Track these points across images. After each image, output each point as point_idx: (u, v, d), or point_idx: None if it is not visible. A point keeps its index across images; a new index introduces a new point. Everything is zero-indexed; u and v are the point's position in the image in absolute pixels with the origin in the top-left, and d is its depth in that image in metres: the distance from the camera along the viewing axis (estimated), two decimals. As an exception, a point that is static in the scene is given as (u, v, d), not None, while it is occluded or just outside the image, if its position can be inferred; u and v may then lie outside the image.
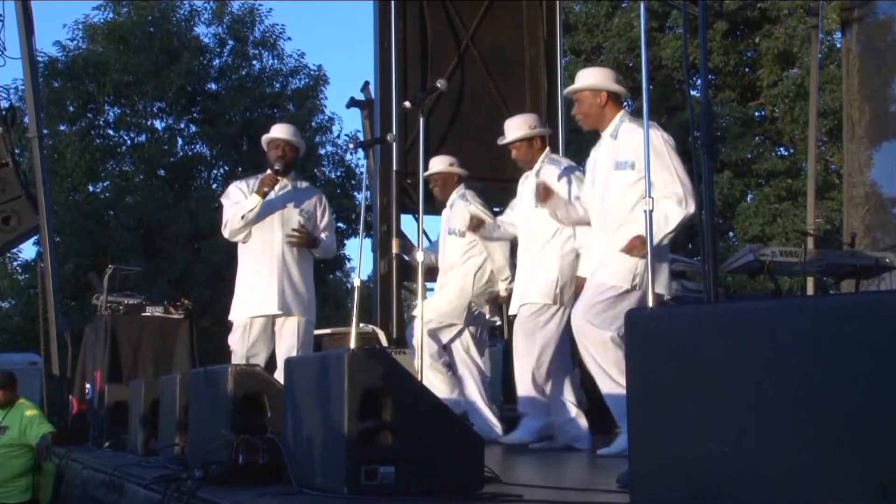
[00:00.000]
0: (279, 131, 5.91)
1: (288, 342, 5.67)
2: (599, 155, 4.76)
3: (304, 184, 6.10)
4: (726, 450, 1.83)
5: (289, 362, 3.43)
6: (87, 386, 7.81)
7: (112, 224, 19.13)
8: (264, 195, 5.63)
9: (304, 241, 5.75)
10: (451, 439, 2.87)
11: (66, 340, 8.95)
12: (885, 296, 1.71)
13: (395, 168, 9.27)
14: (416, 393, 2.87)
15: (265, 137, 5.92)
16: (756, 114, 20.79)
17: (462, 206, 6.05)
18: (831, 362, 1.69)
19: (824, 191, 16.58)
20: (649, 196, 4.07)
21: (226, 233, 5.79)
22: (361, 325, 8.34)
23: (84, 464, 5.60)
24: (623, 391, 4.27)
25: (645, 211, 4.06)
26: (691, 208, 4.41)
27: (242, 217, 5.64)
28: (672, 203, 4.39)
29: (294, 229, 5.73)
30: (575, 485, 3.36)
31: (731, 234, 19.09)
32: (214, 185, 21.38)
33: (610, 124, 4.72)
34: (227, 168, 21.36)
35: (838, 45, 15.07)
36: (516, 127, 5.63)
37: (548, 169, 5.46)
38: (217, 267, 18.46)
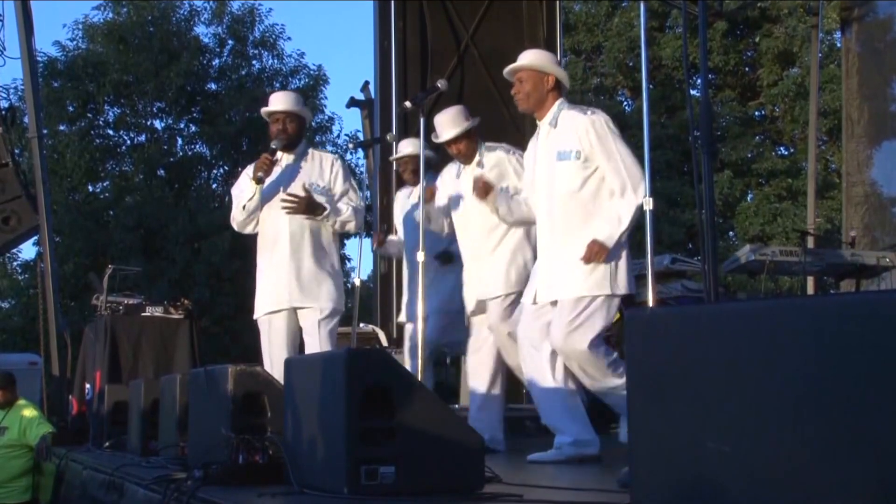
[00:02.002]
0: (277, 102, 5.26)
1: (310, 338, 5.14)
2: (539, 147, 4.54)
3: (317, 154, 5.41)
4: (726, 450, 1.83)
5: (289, 362, 3.42)
6: (87, 386, 7.80)
7: (112, 224, 19.13)
8: (259, 181, 5.06)
9: (301, 207, 5.07)
10: (452, 439, 2.86)
11: (65, 341, 8.96)
12: (885, 295, 1.71)
13: (394, 168, 9.26)
14: (416, 393, 2.87)
15: (264, 111, 5.33)
16: (756, 113, 20.82)
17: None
18: (831, 362, 1.69)
19: (824, 190, 16.58)
20: (649, 196, 4.08)
21: (234, 226, 5.29)
22: (361, 324, 8.35)
23: (84, 464, 5.59)
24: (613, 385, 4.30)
25: (646, 211, 4.07)
26: (637, 198, 4.24)
27: (244, 207, 5.13)
28: (619, 199, 4.28)
29: (288, 194, 5.09)
30: (575, 485, 3.36)
31: (731, 233, 19.11)
32: (214, 185, 21.41)
33: (548, 112, 4.50)
34: (226, 168, 21.37)
35: (838, 45, 15.07)
36: (451, 122, 5.42)
37: (489, 156, 5.29)
38: (217, 267, 18.48)
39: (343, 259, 22.14)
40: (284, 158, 5.22)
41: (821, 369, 1.70)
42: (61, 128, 19.81)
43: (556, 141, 4.43)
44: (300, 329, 5.20)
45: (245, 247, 18.69)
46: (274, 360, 5.00)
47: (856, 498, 1.62)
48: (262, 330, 5.27)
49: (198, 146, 21.19)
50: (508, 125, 8.61)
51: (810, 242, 8.50)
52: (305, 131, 5.42)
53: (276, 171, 5.16)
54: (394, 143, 8.97)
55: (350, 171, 5.46)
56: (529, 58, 4.61)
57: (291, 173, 5.21)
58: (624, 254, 4.37)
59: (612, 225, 4.29)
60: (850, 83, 10.10)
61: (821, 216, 13.64)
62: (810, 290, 8.83)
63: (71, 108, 19.81)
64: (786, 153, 20.66)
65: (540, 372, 4.43)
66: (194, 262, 18.64)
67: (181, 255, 18.56)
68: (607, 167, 4.31)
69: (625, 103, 21.08)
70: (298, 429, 3.13)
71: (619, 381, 4.24)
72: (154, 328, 7.89)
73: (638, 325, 2.13)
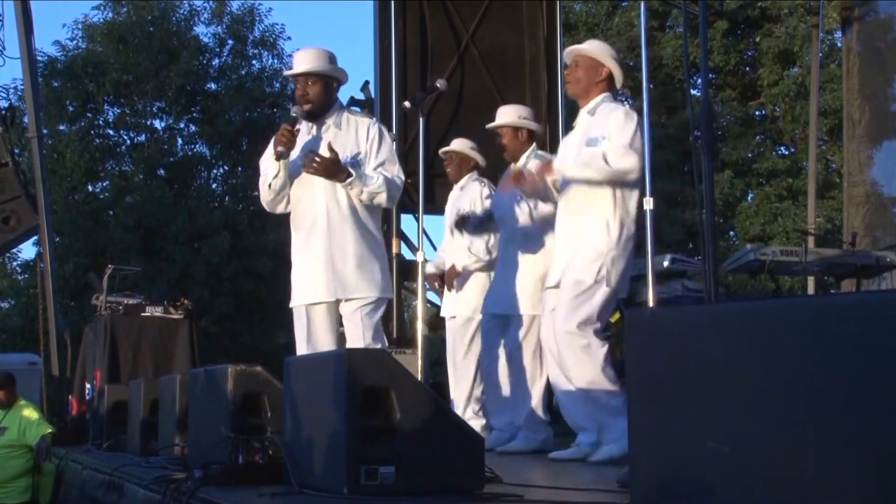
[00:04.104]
0: (295, 62, 4.58)
1: (352, 325, 4.53)
2: (573, 133, 4.62)
3: (353, 119, 4.65)
4: (726, 450, 1.83)
5: (288, 362, 3.42)
6: (87, 386, 7.81)
7: (111, 224, 19.12)
8: (280, 156, 4.38)
9: (322, 168, 4.35)
10: (452, 439, 2.86)
11: (65, 341, 8.96)
12: (885, 295, 1.71)
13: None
14: (416, 393, 2.86)
15: (286, 74, 4.85)
16: (756, 113, 20.80)
17: (477, 189, 5.99)
18: (832, 362, 1.68)
19: (825, 190, 16.57)
20: (649, 195, 4.08)
21: (264, 205, 4.65)
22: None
23: (84, 464, 5.59)
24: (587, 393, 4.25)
25: (646, 210, 4.06)
26: (606, 172, 4.24)
27: (269, 186, 4.49)
28: (608, 159, 4.24)
29: (311, 151, 4.39)
30: (575, 485, 3.36)
31: (731, 233, 19.09)
32: (214, 185, 21.40)
33: (591, 101, 4.54)
34: (226, 168, 21.36)
35: (839, 45, 15.07)
36: (505, 114, 5.53)
37: (533, 164, 5.29)
38: (216, 267, 18.47)
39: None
40: (314, 128, 4.56)
41: (821, 369, 1.70)
42: (61, 127, 19.80)
43: (590, 128, 4.47)
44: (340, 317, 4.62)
45: (244, 247, 18.82)
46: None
47: (856, 498, 1.61)
48: (297, 319, 4.62)
49: (197, 146, 21.19)
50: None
51: (811, 242, 8.50)
52: (334, 93, 4.63)
53: (305, 141, 4.50)
54: (393, 144, 8.97)
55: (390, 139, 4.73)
56: (591, 46, 4.63)
57: (321, 143, 4.49)
58: (623, 251, 4.33)
59: (572, 162, 4.35)
60: (850, 83, 10.09)
61: (821, 216, 13.64)
62: (811, 290, 8.83)
63: (71, 108, 19.80)
64: (786, 153, 20.64)
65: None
66: (194, 262, 18.63)
67: (181, 255, 18.56)
68: (619, 141, 4.27)
69: (625, 103, 21.01)
70: (298, 429, 3.13)
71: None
72: (154, 328, 7.90)
73: (638, 325, 2.13)
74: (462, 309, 5.88)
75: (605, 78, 4.54)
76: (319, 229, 4.48)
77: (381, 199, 4.54)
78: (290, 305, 4.62)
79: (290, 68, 4.72)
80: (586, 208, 4.37)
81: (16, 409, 7.32)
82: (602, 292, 4.28)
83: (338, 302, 4.53)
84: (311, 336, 4.52)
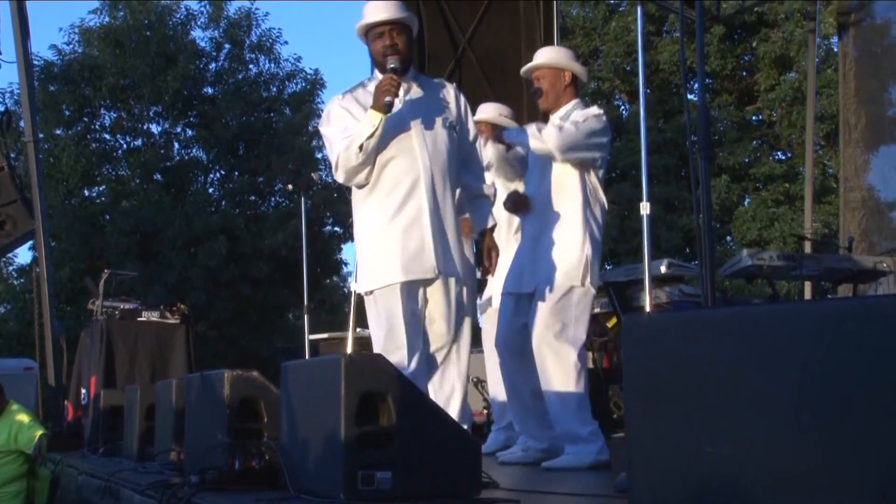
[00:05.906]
0: (377, 11, 3.92)
1: (452, 313, 3.87)
2: None
3: (433, 79, 4.21)
4: (724, 454, 1.82)
5: (285, 367, 3.41)
6: (83, 391, 7.79)
7: (108, 228, 19.12)
8: (388, 108, 3.73)
9: (496, 260, 4.00)
10: (449, 444, 2.86)
11: (61, 345, 8.93)
12: (882, 300, 1.71)
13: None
14: (413, 398, 2.86)
15: (359, 26, 3.96)
16: (753, 118, 20.85)
17: None
18: (829, 366, 1.68)
19: (822, 195, 16.60)
20: (646, 200, 4.08)
21: (339, 175, 3.86)
22: (358, 329, 8.33)
23: (79, 469, 5.58)
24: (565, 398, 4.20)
25: (643, 215, 4.06)
26: (549, 145, 4.25)
27: (361, 147, 3.74)
28: (550, 130, 4.26)
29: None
30: (572, 490, 3.35)
31: (728, 238, 19.12)
32: (211, 190, 21.40)
33: (563, 108, 4.48)
34: (223, 172, 21.36)
35: (835, 49, 15.10)
36: (485, 111, 5.39)
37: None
38: (213, 271, 18.47)
39: (340, 263, 22.21)
40: (402, 85, 3.90)
41: (818, 374, 1.70)
42: (57, 132, 19.81)
43: None
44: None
45: (241, 252, 18.81)
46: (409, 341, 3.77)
47: (856, 500, 1.61)
48: (388, 299, 3.81)
49: (194, 150, 21.20)
50: (505, 129, 8.62)
51: (807, 247, 8.52)
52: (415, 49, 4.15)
53: (398, 101, 3.86)
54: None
55: None
56: (546, 55, 4.58)
57: (417, 103, 3.93)
58: (593, 254, 4.30)
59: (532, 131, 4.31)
60: (847, 88, 10.10)
61: (818, 221, 13.67)
62: (807, 295, 8.84)
63: (67, 112, 19.81)
64: (783, 158, 20.68)
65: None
66: (191, 266, 18.63)
67: (177, 260, 18.55)
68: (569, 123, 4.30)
69: (622, 107, 21.11)
70: (295, 434, 3.12)
71: None
72: (150, 333, 7.88)
73: (636, 330, 2.13)
74: None
75: (571, 82, 4.50)
76: (419, 198, 3.83)
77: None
78: (386, 284, 3.81)
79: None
80: (554, 214, 4.35)
81: (7, 413, 7.27)
82: (577, 299, 4.27)
83: (426, 284, 3.85)
84: (411, 317, 3.79)
